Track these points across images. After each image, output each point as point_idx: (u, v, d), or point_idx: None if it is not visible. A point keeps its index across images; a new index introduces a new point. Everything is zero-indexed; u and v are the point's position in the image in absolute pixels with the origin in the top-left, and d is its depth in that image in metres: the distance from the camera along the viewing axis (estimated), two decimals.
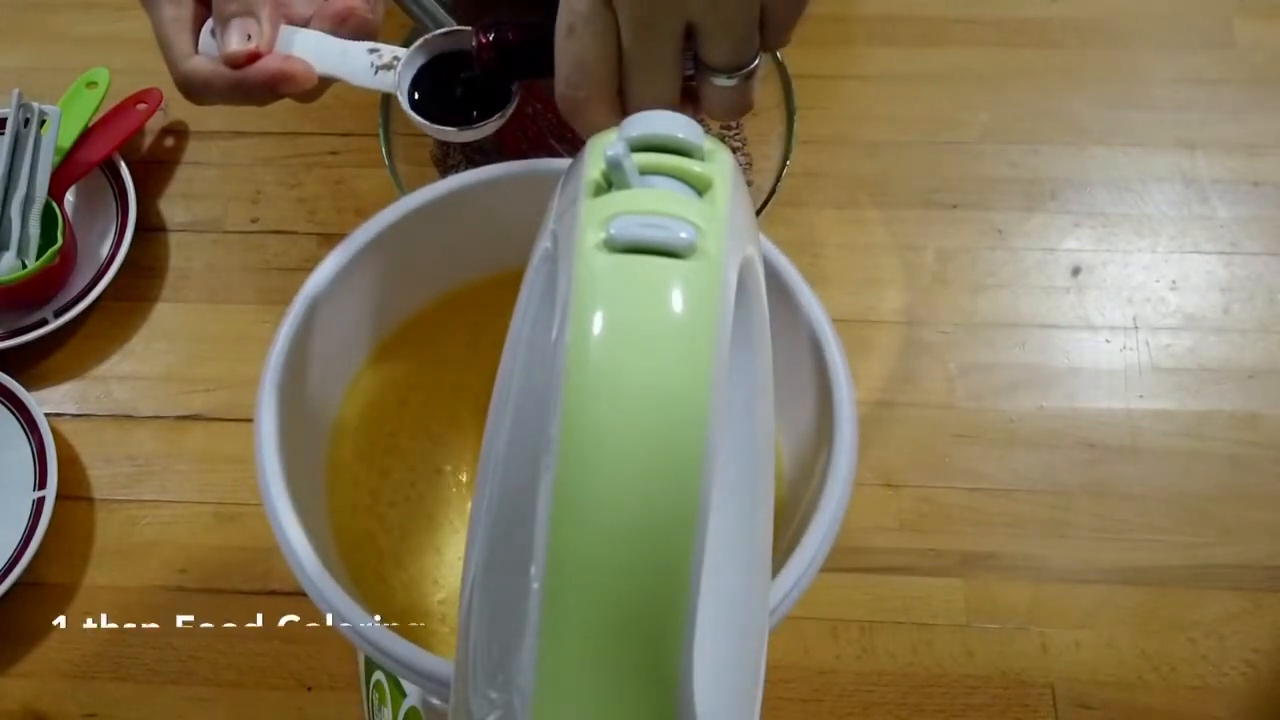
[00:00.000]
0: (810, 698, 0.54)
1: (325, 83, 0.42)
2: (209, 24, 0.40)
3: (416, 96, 0.42)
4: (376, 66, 0.41)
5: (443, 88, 0.42)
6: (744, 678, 0.28)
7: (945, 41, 0.73)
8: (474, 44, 0.42)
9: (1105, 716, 0.54)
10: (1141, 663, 0.55)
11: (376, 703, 0.49)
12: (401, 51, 0.42)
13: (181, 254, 0.68)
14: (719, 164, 0.27)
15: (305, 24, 0.42)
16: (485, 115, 0.42)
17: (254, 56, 0.40)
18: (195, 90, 0.40)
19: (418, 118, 0.41)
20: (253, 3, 0.40)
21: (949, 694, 0.54)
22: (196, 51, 0.41)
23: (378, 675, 0.49)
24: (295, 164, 0.69)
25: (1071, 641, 0.55)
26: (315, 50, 0.41)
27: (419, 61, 0.42)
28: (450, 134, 0.42)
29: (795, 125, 0.60)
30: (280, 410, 0.42)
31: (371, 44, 0.42)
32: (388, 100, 0.62)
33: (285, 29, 0.41)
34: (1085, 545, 0.57)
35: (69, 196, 0.68)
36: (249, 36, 0.40)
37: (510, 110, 0.43)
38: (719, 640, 0.27)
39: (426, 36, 0.42)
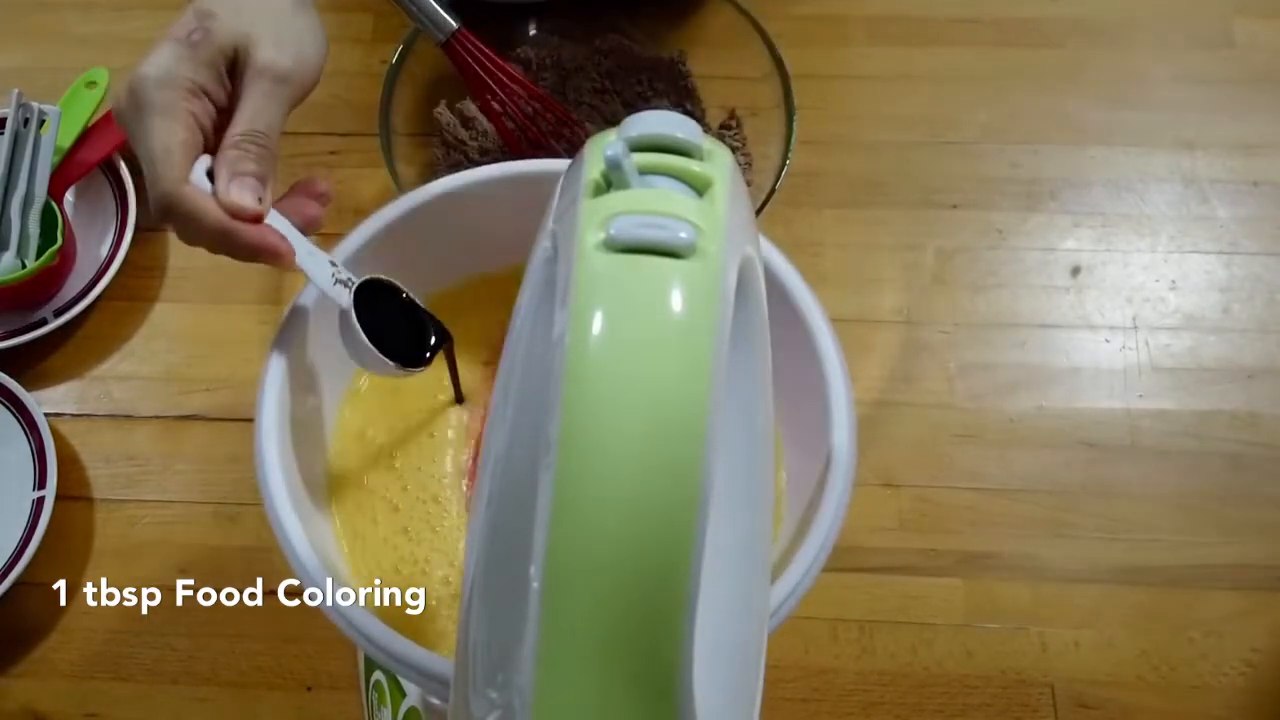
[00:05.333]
0: (810, 698, 0.54)
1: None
2: (206, 161, 0.40)
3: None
4: (335, 279, 0.43)
5: (381, 319, 0.44)
6: (744, 677, 0.28)
7: (945, 41, 0.73)
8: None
9: (1105, 716, 0.54)
10: (1141, 662, 0.55)
11: (376, 702, 0.49)
12: (352, 277, 0.44)
13: (181, 254, 0.68)
14: (718, 164, 0.27)
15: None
16: (420, 349, 0.45)
17: (257, 218, 0.40)
18: (177, 217, 0.39)
19: (367, 342, 0.43)
20: (266, 171, 0.41)
21: (949, 694, 0.54)
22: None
23: (377, 675, 0.49)
24: (295, 164, 0.69)
25: (1071, 641, 0.55)
26: (292, 239, 0.42)
27: (363, 290, 0.44)
28: (391, 369, 0.44)
29: (795, 125, 0.60)
30: (281, 410, 0.42)
31: (330, 257, 0.43)
32: (388, 100, 0.62)
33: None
34: (1085, 545, 0.57)
35: (68, 196, 0.68)
36: (260, 200, 0.40)
37: (436, 354, 0.46)
38: (719, 639, 0.27)
39: (365, 278, 0.44)
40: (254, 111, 0.41)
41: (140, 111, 0.39)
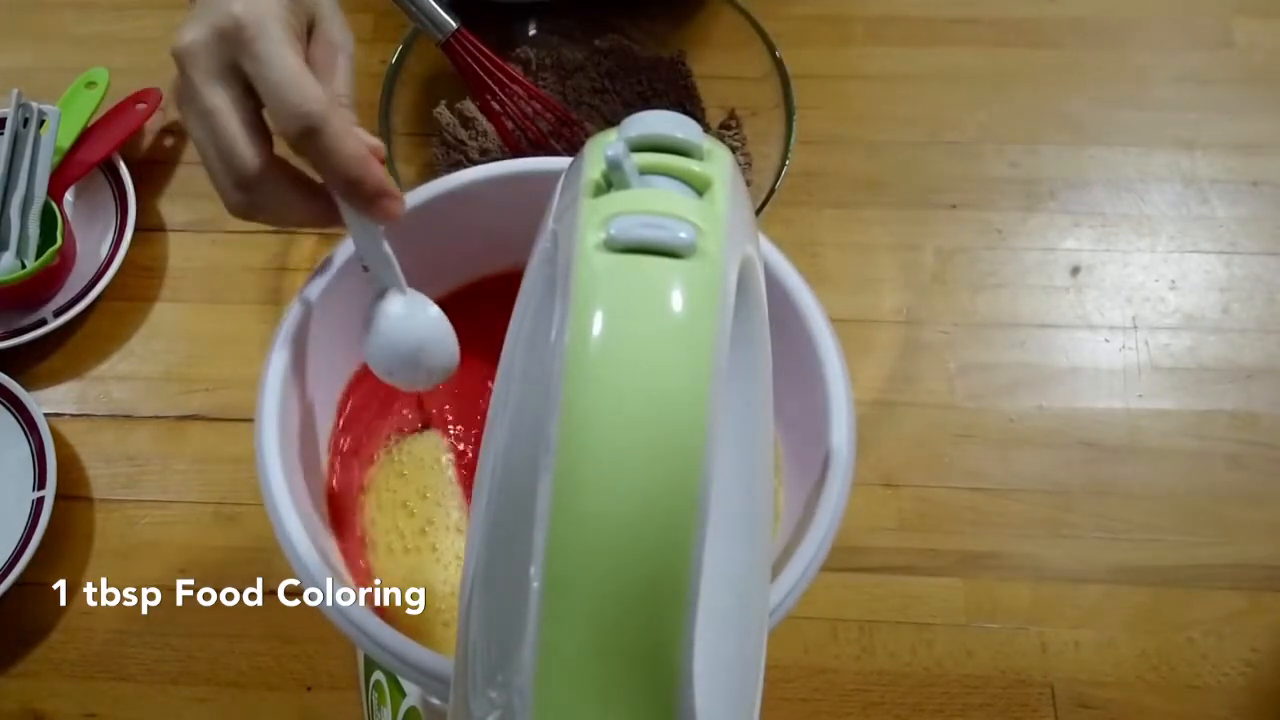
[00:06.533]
0: (810, 697, 0.54)
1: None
2: None
3: None
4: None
5: None
6: (744, 677, 0.28)
7: (945, 41, 0.73)
8: None
9: (1105, 716, 0.54)
10: (1141, 662, 0.55)
11: (376, 702, 0.49)
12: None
13: (180, 254, 0.68)
14: (718, 163, 0.27)
15: None
16: None
17: (383, 163, 0.40)
18: (321, 138, 0.37)
19: (447, 323, 0.44)
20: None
21: (949, 694, 0.54)
22: None
23: (377, 675, 0.49)
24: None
25: (1071, 641, 0.55)
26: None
27: None
28: (452, 353, 0.45)
29: (795, 125, 0.60)
30: (281, 409, 0.42)
31: None
32: (387, 100, 0.62)
33: None
34: (1085, 545, 0.57)
35: (68, 196, 0.68)
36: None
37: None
38: (719, 640, 0.27)
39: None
40: (346, 79, 0.41)
41: (256, 41, 0.37)
